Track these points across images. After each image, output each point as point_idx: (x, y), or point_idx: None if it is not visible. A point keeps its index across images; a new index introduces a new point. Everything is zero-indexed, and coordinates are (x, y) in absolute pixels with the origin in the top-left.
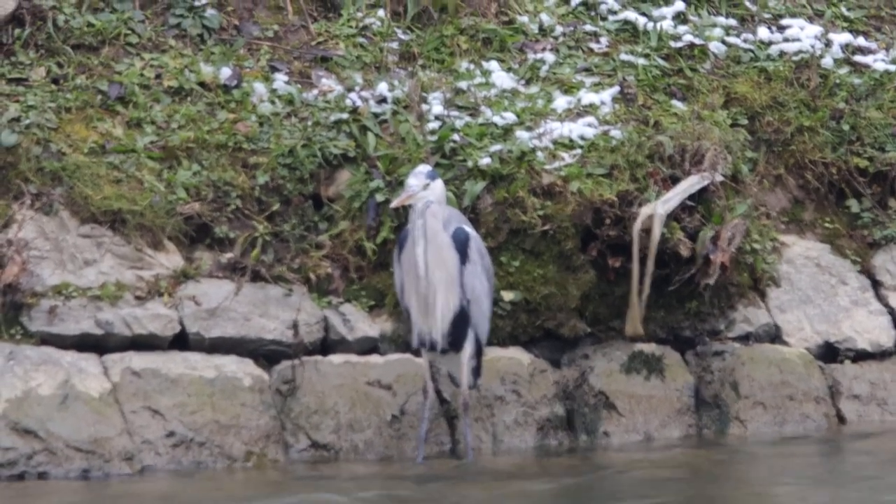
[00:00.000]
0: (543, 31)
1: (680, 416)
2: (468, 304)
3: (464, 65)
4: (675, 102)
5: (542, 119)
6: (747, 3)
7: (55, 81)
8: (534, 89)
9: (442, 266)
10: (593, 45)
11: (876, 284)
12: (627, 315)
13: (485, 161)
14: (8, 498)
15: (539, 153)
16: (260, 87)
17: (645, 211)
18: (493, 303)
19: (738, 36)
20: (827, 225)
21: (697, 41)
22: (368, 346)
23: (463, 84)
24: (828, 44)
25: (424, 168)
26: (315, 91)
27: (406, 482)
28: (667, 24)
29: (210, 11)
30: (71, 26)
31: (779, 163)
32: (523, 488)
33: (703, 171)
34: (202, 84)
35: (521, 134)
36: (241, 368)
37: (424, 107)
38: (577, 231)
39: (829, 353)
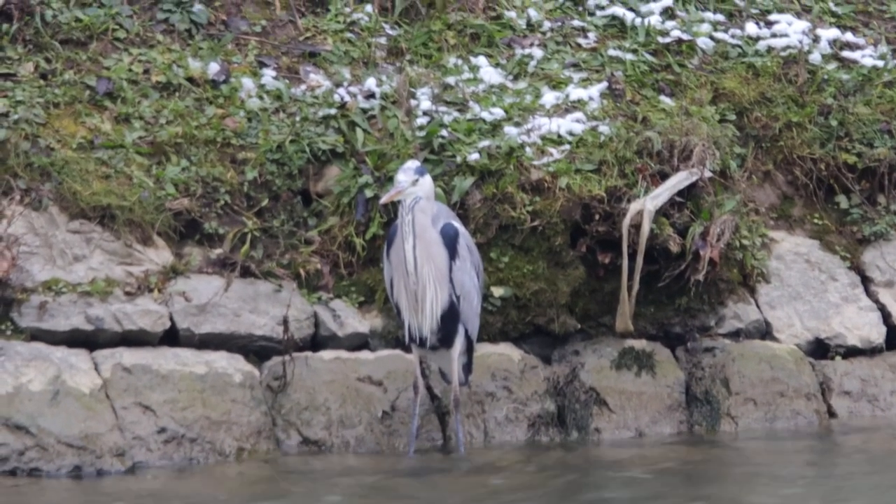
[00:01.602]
0: (531, 27)
1: (671, 412)
2: (458, 300)
3: (452, 60)
4: (663, 98)
5: (531, 114)
6: None
7: (43, 77)
8: (522, 85)
9: (431, 262)
10: (581, 41)
11: (866, 280)
12: (617, 311)
13: (473, 157)
14: (0, 493)
15: (527, 149)
16: (248, 83)
17: (634, 207)
18: (483, 299)
19: (725, 31)
20: (816, 221)
21: (685, 37)
22: (358, 342)
23: (451, 79)
24: (816, 39)
25: (413, 164)
26: (303, 86)
27: (397, 477)
28: (654, 20)
29: (198, 6)
30: (59, 21)
31: (767, 159)
32: (514, 483)
33: (691, 166)
34: (190, 79)
35: (509, 129)
36: (231, 364)
37: (413, 102)
38: (566, 227)
39: (819, 349)
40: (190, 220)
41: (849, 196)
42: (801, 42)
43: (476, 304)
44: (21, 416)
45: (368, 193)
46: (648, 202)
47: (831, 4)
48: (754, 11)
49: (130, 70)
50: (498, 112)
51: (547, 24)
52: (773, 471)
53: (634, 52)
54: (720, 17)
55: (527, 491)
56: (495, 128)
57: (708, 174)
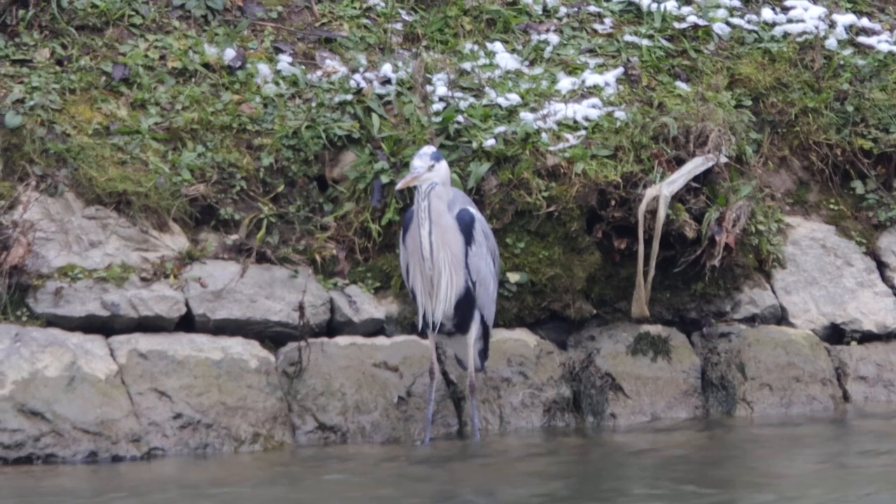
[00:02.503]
0: (547, 12)
1: (686, 397)
2: (473, 285)
3: (468, 46)
4: (679, 84)
5: (547, 100)
6: None
7: (59, 63)
8: (538, 70)
9: (447, 248)
10: (597, 27)
11: (881, 266)
12: (633, 296)
13: (489, 142)
14: (16, 480)
15: (543, 134)
16: (264, 69)
17: (650, 192)
18: (499, 284)
19: (741, 17)
20: (832, 206)
21: (701, 22)
22: (374, 328)
23: (467, 65)
24: (832, 25)
25: (429, 149)
26: (319, 72)
27: (413, 463)
28: (670, 5)
29: None
30: (75, 7)
31: (783, 144)
32: (530, 469)
33: (707, 152)
34: (206, 65)
35: (525, 115)
36: (247, 350)
37: (428, 88)
38: (582, 212)
39: (834, 334)
40: (206, 205)
41: (864, 181)
42: (816, 27)
43: (492, 289)
44: (37, 402)
45: (384, 179)
46: (664, 188)
47: None
48: None
49: (146, 56)
50: (514, 98)
51: (563, 10)
52: (789, 455)
53: (650, 37)
54: (736, 3)
55: (542, 476)
56: (511, 113)
57: (724, 160)
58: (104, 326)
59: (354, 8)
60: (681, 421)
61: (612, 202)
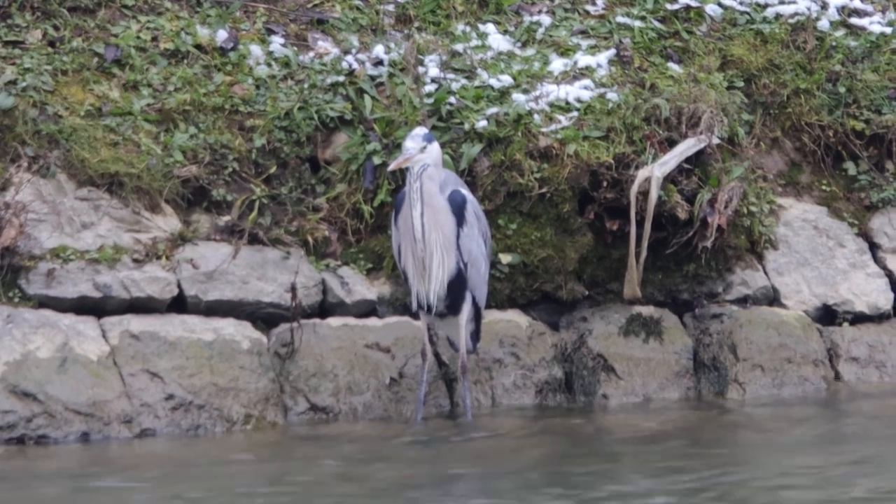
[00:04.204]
0: None
1: (678, 378)
2: (465, 267)
3: (460, 27)
4: (671, 65)
5: (539, 82)
6: None
7: (51, 44)
8: (530, 52)
9: (438, 229)
10: (589, 8)
11: (873, 247)
12: (625, 278)
13: (481, 124)
14: (8, 461)
15: (536, 116)
16: (256, 50)
17: (642, 173)
18: (491, 266)
19: None
20: (824, 188)
21: (693, 3)
22: (366, 309)
23: (459, 46)
24: (824, 6)
25: (421, 131)
26: (311, 53)
27: (405, 443)
28: None
29: None
30: None
31: (775, 125)
32: (521, 449)
33: (699, 133)
34: (198, 46)
35: (517, 96)
36: (239, 331)
37: (421, 69)
38: (574, 194)
39: (827, 315)
40: (198, 187)
41: (857, 163)
42: (808, 9)
43: (484, 271)
44: (29, 383)
45: (376, 160)
46: (656, 169)
47: None
48: None
49: (138, 37)
50: (506, 79)
51: None
52: (781, 436)
53: (643, 18)
54: None
55: (534, 457)
56: (503, 95)
57: (716, 141)
58: (96, 308)
59: None
60: (672, 402)
61: (604, 183)
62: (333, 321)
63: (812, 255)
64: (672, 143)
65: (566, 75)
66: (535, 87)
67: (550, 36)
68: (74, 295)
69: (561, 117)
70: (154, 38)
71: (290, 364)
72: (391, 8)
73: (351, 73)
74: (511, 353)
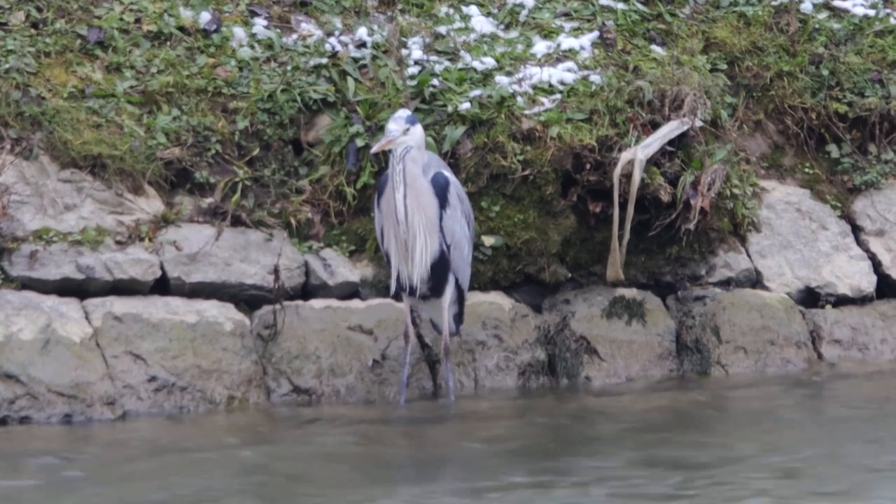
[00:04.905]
0: None
1: (661, 360)
2: (448, 249)
3: (443, 9)
4: (654, 47)
5: (522, 64)
6: None
7: (34, 26)
8: (513, 34)
9: (421, 211)
10: None
11: (856, 230)
12: (608, 260)
13: (464, 106)
14: None
15: (519, 98)
16: (239, 32)
17: (625, 156)
18: (474, 248)
19: None
20: (807, 170)
21: None
22: (349, 291)
23: (442, 29)
24: None
25: (404, 113)
26: (294, 36)
27: (387, 424)
28: None
29: None
30: None
31: (758, 108)
32: (504, 431)
33: (682, 116)
34: (181, 28)
35: (500, 79)
36: (222, 313)
37: (404, 52)
38: (557, 176)
39: (809, 298)
40: (181, 169)
41: (840, 145)
42: None
43: (466, 253)
44: (11, 364)
45: (359, 143)
46: (639, 151)
47: None
48: None
49: (122, 19)
50: (489, 61)
51: None
52: (763, 417)
53: (626, 1)
54: None
55: (516, 438)
56: (486, 77)
57: (699, 123)
58: (79, 289)
59: None
60: (655, 383)
61: (588, 166)
62: (316, 303)
63: (795, 238)
64: (655, 126)
65: (549, 58)
66: (519, 70)
67: (533, 18)
68: (57, 277)
69: (544, 100)
70: (137, 20)
71: (273, 346)
72: None
73: (334, 55)
74: (494, 335)
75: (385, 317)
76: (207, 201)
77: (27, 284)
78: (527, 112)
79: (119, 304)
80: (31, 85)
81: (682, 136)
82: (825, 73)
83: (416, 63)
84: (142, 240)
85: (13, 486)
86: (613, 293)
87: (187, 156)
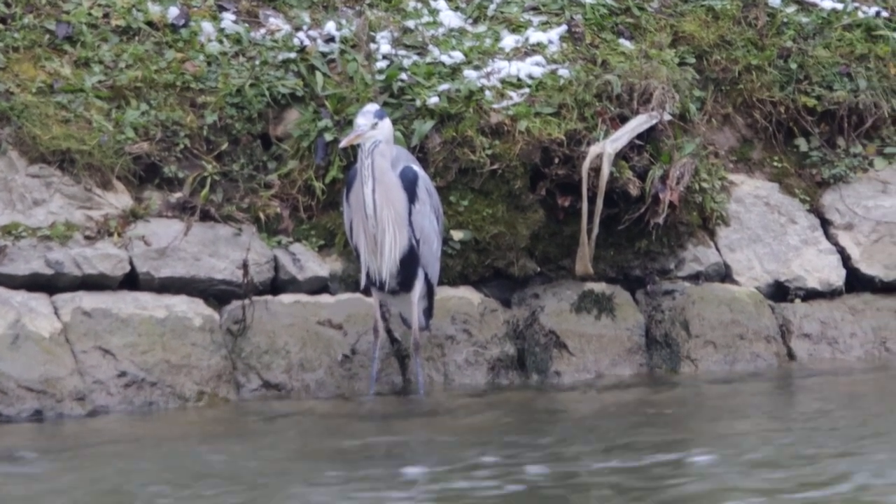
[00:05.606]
0: None
1: (631, 355)
2: (417, 243)
3: (412, 4)
4: (622, 41)
5: (490, 58)
6: None
7: (2, 21)
8: (481, 28)
9: (390, 206)
10: None
11: (825, 223)
12: (577, 254)
13: (433, 100)
14: None
15: (487, 92)
16: (208, 27)
17: (593, 150)
18: (443, 242)
19: None
20: (776, 164)
21: None
22: (318, 286)
23: (411, 23)
24: None
25: (372, 107)
26: (263, 30)
27: (357, 418)
28: None
29: None
30: None
31: (727, 102)
32: (473, 426)
33: (651, 110)
34: (150, 23)
35: (469, 73)
36: (191, 308)
37: (372, 46)
38: (525, 170)
39: (779, 292)
40: (150, 164)
41: (808, 139)
42: None
43: (436, 247)
44: None
45: (328, 137)
46: (608, 145)
47: None
48: None
49: (90, 14)
50: (457, 55)
51: None
52: (733, 412)
53: None
54: None
55: (485, 433)
56: (455, 71)
57: (667, 117)
58: (48, 284)
59: None
60: (625, 378)
61: (556, 160)
62: (285, 298)
63: (764, 232)
64: (624, 120)
65: (518, 52)
66: (487, 64)
67: (502, 12)
68: (26, 272)
69: (512, 94)
70: (105, 15)
71: (243, 341)
72: None
73: (302, 49)
74: (463, 329)
75: (354, 311)
76: (176, 196)
77: None
78: (495, 106)
79: (88, 300)
80: None
81: (651, 129)
82: (793, 66)
83: (385, 57)
84: (111, 235)
85: None
86: (582, 287)
87: (156, 150)
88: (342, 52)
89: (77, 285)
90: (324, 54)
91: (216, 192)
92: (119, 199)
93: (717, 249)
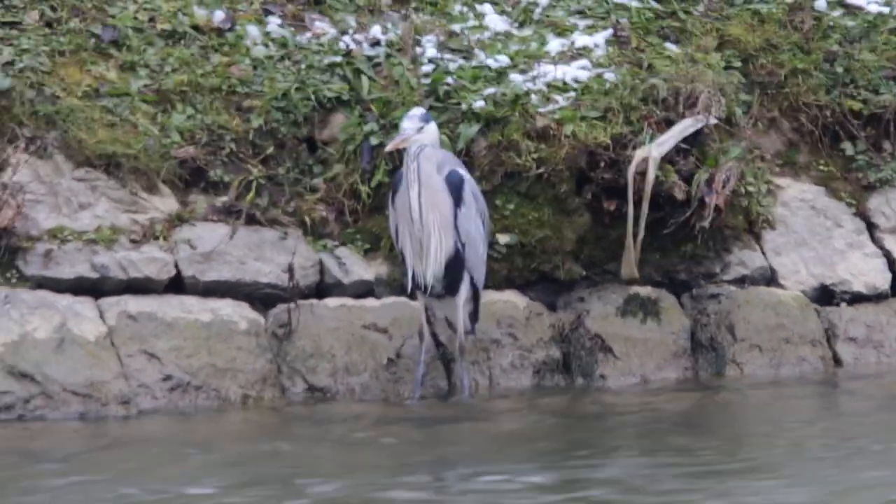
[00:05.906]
0: None
1: (676, 359)
2: (463, 247)
3: (457, 7)
4: (668, 45)
5: (536, 62)
6: None
7: (49, 25)
8: (527, 32)
9: (436, 209)
10: None
11: (871, 227)
12: (623, 258)
13: (479, 104)
14: (7, 439)
15: (533, 96)
16: (253, 30)
17: (639, 154)
18: (489, 246)
19: None
20: (821, 168)
21: None
22: (364, 290)
23: (456, 27)
24: None
25: (418, 111)
26: (308, 34)
27: (402, 422)
28: None
29: None
30: None
31: (773, 105)
32: (519, 430)
33: (696, 113)
34: (195, 27)
35: (514, 77)
36: (236, 312)
37: (418, 50)
38: (571, 174)
39: (824, 295)
40: (195, 168)
41: (854, 142)
42: None
43: (481, 251)
44: (26, 363)
45: (374, 141)
46: (654, 149)
47: None
48: None
49: (136, 18)
50: (503, 59)
51: None
52: (779, 416)
53: None
54: None
55: (531, 437)
56: (500, 75)
57: (713, 121)
58: (93, 288)
59: None
60: (671, 382)
61: (602, 164)
62: (331, 301)
63: (810, 236)
64: (669, 124)
65: (563, 55)
66: (533, 68)
67: (547, 16)
68: (72, 276)
69: (558, 97)
70: (151, 19)
71: (288, 344)
72: None
73: (348, 53)
74: (509, 333)
75: (400, 315)
76: (222, 200)
77: (42, 283)
78: (541, 110)
79: (133, 303)
80: (45, 84)
81: (697, 133)
82: (839, 70)
83: (431, 61)
84: (156, 238)
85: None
86: (628, 291)
87: (202, 154)
88: (388, 55)
89: (122, 289)
90: (369, 58)
91: (262, 196)
92: (165, 203)
93: (763, 253)
